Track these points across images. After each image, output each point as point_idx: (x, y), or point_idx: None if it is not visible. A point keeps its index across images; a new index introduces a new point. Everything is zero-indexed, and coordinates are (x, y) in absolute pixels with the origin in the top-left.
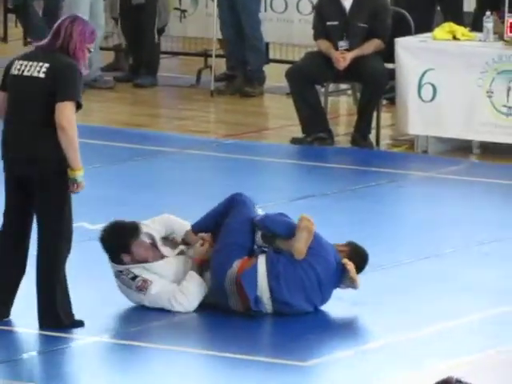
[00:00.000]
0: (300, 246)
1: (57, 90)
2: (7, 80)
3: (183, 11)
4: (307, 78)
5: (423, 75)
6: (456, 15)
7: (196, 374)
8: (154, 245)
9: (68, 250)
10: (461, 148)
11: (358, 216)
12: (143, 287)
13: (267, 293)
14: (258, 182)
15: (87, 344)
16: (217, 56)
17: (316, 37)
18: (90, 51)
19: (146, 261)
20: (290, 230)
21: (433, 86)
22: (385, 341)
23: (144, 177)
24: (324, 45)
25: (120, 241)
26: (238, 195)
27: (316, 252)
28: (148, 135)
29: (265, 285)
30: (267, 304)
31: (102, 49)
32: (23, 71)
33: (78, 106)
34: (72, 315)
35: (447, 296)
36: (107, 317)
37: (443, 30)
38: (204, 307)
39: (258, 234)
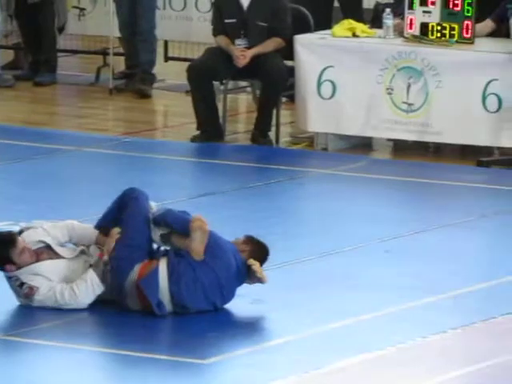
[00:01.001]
0: (196, 246)
1: None
2: None
3: (82, 9)
4: (207, 74)
5: (322, 72)
6: (355, 12)
7: (93, 371)
8: (49, 247)
9: None
10: (361, 145)
11: (258, 213)
12: (30, 294)
13: (168, 296)
14: (158, 179)
15: None
16: (116, 54)
17: (215, 33)
18: None
19: (34, 262)
20: (186, 226)
21: (332, 83)
22: (286, 338)
23: (43, 175)
24: (223, 41)
25: None
26: (130, 191)
27: (214, 253)
28: (47, 133)
29: (166, 288)
30: (168, 305)
31: (1, 47)
32: None
33: None
34: None
35: (348, 293)
36: (2, 314)
37: (342, 27)
38: (102, 305)
39: (157, 233)
